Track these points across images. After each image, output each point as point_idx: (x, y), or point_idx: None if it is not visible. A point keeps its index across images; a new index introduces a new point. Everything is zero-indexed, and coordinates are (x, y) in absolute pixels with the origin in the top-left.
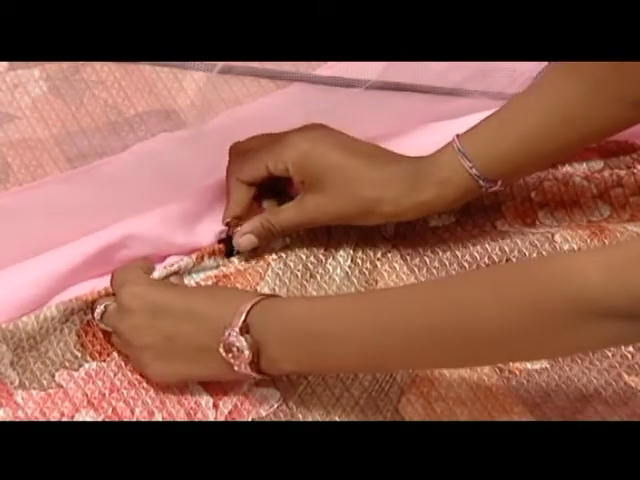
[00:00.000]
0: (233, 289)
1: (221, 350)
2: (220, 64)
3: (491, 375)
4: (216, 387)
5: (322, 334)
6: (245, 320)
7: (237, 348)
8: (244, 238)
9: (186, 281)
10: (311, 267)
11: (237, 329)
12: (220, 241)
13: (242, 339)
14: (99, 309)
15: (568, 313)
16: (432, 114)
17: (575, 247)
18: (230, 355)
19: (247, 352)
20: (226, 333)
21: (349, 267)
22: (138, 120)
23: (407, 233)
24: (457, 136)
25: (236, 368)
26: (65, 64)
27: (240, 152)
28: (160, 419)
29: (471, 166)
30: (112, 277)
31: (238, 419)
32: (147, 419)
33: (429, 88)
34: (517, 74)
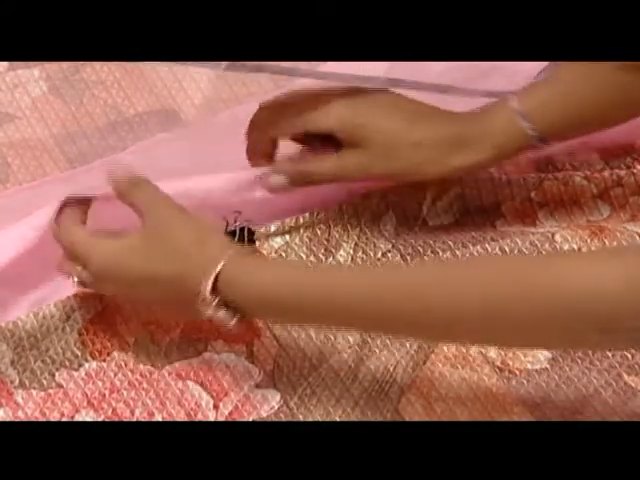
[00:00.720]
0: (203, 239)
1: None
2: (224, 63)
3: (491, 375)
4: (217, 388)
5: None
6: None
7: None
8: (276, 177)
9: None
10: None
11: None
12: None
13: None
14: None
15: (584, 326)
16: None
17: (575, 247)
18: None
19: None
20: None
21: None
22: (138, 120)
23: (407, 233)
24: (513, 97)
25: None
26: (65, 64)
27: (274, 107)
28: (160, 420)
29: (532, 128)
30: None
31: (239, 420)
32: (147, 420)
33: (429, 88)
34: (517, 74)
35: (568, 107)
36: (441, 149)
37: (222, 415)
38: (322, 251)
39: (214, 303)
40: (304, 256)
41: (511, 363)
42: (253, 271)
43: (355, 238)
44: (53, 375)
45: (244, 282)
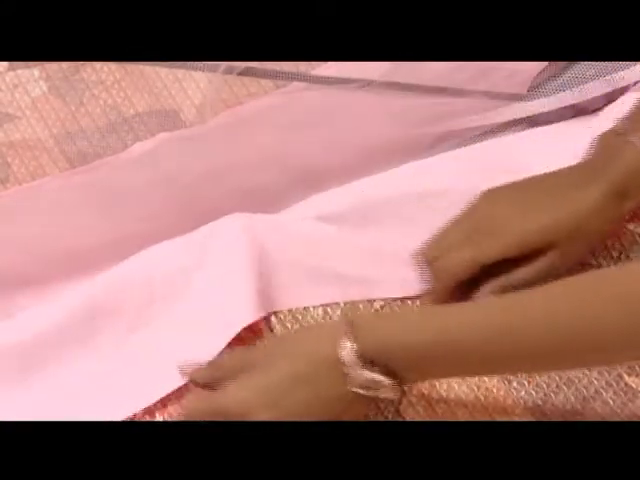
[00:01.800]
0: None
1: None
2: (224, 64)
3: (492, 377)
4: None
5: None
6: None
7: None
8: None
9: None
10: None
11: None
12: None
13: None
14: None
15: None
16: (432, 114)
17: None
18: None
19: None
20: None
21: None
22: (138, 120)
23: None
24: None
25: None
26: (65, 64)
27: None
28: (160, 420)
29: None
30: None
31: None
32: (148, 420)
33: (429, 88)
34: (517, 74)
35: None
36: (614, 202)
37: None
38: None
39: (362, 366)
40: None
41: None
42: (382, 325)
43: None
44: None
45: (381, 338)
